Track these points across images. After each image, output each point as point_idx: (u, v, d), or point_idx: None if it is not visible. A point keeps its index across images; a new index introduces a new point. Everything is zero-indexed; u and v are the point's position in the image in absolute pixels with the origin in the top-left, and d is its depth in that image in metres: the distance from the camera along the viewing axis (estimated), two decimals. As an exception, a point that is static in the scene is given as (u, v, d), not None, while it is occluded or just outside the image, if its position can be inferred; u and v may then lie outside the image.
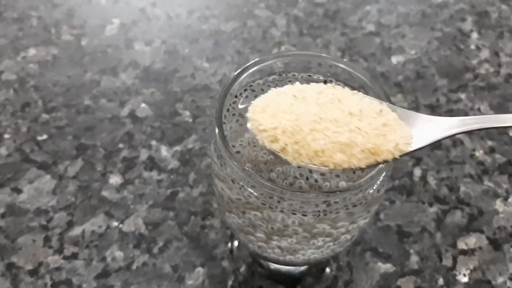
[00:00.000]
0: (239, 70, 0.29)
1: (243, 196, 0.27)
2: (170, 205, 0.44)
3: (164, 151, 0.48)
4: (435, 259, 0.42)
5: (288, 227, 0.27)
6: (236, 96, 0.30)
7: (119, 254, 0.42)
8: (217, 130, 0.27)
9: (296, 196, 0.25)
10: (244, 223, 0.29)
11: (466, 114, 0.52)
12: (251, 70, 0.29)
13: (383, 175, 0.26)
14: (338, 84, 0.30)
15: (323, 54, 0.31)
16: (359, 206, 0.27)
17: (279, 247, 0.30)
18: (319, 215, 0.26)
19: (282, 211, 0.26)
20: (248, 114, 0.26)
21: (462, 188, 0.47)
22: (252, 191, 0.26)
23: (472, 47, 0.59)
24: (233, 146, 0.28)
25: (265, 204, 0.26)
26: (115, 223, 0.43)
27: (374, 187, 0.27)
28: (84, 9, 0.62)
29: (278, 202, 0.25)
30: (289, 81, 0.30)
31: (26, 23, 0.60)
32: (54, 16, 0.61)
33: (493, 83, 0.55)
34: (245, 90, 0.30)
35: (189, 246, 0.42)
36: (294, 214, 0.26)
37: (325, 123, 0.24)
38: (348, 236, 0.30)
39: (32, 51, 0.57)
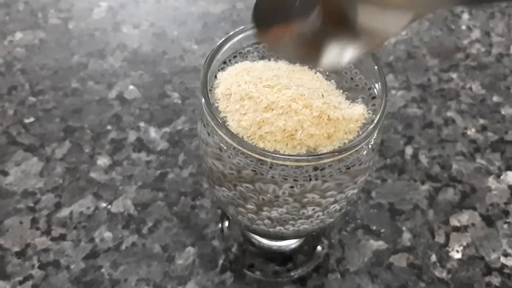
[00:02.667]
0: (224, 38, 0.29)
1: (234, 167, 0.26)
2: (159, 186, 0.44)
3: (153, 133, 0.47)
4: (428, 236, 0.42)
5: (278, 198, 0.27)
6: (225, 62, 0.29)
7: (107, 235, 0.41)
8: (203, 100, 0.26)
9: (288, 160, 0.24)
10: (235, 196, 0.29)
11: (457, 94, 0.52)
12: (237, 38, 0.29)
13: (363, 144, 0.25)
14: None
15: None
16: (346, 175, 0.26)
17: (269, 218, 0.29)
18: (310, 179, 0.25)
19: (273, 178, 0.25)
20: None
21: (454, 166, 0.46)
22: (242, 159, 0.25)
23: (463, 27, 0.59)
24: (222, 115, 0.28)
25: (255, 171, 0.25)
26: (104, 204, 0.43)
27: (357, 156, 0.26)
28: (71, -7, 0.61)
29: (270, 167, 0.25)
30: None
31: (12, 7, 0.59)
32: (41, 0, 0.60)
33: (484, 62, 0.55)
34: (235, 56, 0.29)
35: (179, 226, 0.42)
36: (286, 179, 0.25)
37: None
38: (337, 206, 0.29)
39: (19, 35, 0.56)
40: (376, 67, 0.28)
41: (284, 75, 0.27)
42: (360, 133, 0.26)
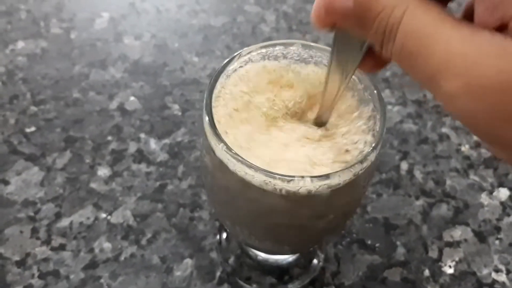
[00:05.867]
0: (227, 60, 0.29)
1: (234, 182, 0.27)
2: (158, 197, 0.45)
3: (153, 144, 0.48)
4: (421, 251, 0.43)
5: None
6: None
7: (107, 245, 0.41)
8: (206, 119, 0.27)
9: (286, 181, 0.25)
10: (234, 209, 0.30)
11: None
12: (240, 59, 0.30)
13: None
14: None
15: (311, 43, 0.31)
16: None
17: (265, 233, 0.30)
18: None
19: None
20: None
21: (448, 182, 0.47)
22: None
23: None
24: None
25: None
26: (103, 215, 0.43)
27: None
28: (73, 3, 0.61)
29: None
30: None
31: (15, 16, 0.59)
32: (43, 9, 0.60)
33: (479, 79, 0.56)
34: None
35: (178, 237, 0.42)
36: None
37: None
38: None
39: (20, 44, 0.56)
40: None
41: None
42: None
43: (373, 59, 0.23)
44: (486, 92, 0.17)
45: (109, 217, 0.43)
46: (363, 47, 0.23)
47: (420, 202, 0.46)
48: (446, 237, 0.44)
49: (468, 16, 0.19)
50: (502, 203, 0.46)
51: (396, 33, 0.19)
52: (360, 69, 0.24)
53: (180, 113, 0.51)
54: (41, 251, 0.41)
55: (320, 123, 0.28)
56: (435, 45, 0.18)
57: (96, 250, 0.41)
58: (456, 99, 0.18)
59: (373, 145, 0.26)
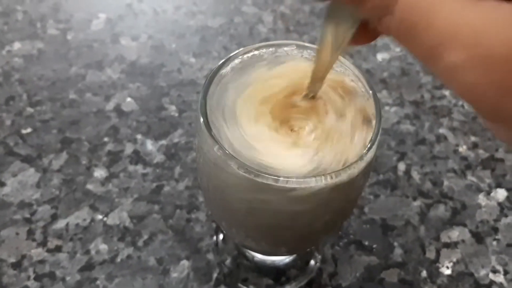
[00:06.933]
0: (222, 61, 0.29)
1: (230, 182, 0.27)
2: (155, 198, 0.44)
3: (150, 145, 0.48)
4: (419, 252, 0.43)
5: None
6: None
7: (103, 247, 0.41)
8: (201, 119, 0.27)
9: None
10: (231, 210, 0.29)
11: (450, 111, 0.53)
12: (235, 61, 0.30)
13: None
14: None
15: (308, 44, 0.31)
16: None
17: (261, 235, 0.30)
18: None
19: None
20: None
21: (446, 183, 0.47)
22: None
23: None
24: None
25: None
26: (100, 216, 0.43)
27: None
28: (70, 4, 0.61)
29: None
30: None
31: (11, 17, 0.59)
32: (40, 10, 0.60)
33: (477, 80, 0.56)
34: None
35: (174, 239, 0.42)
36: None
37: None
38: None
39: (17, 45, 0.56)
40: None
41: None
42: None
43: (365, 31, 0.23)
44: (494, 62, 0.16)
45: (105, 218, 0.43)
46: (357, 20, 0.22)
47: (417, 203, 0.46)
48: (444, 238, 0.44)
49: None
50: (499, 204, 0.46)
51: (395, 5, 0.18)
52: (352, 42, 0.24)
53: (177, 114, 0.51)
54: (37, 253, 0.41)
55: (311, 94, 0.28)
56: (437, 16, 0.17)
57: (92, 252, 0.41)
58: (460, 71, 0.17)
59: (369, 145, 0.26)
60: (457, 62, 0.17)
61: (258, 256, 0.41)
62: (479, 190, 0.47)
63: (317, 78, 0.27)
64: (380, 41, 0.59)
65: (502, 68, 0.16)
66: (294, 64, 0.31)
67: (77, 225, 0.42)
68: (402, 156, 0.49)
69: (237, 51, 0.30)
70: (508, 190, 0.47)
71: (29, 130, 0.48)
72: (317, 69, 0.27)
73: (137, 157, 0.47)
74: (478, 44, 0.16)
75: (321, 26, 0.25)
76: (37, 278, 0.39)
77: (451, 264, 0.42)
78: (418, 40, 0.18)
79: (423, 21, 0.17)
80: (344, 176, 0.25)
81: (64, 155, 0.47)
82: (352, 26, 0.23)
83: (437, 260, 0.42)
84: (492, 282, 0.41)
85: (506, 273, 0.42)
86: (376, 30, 0.20)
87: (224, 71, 0.29)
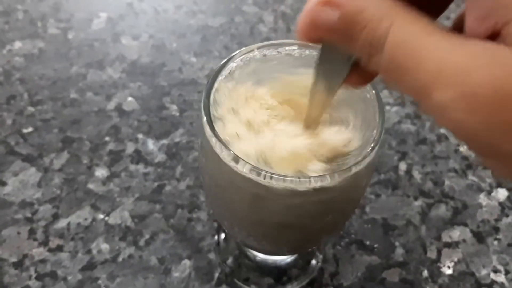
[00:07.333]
0: (225, 60, 0.29)
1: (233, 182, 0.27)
2: (156, 198, 0.44)
3: (151, 145, 0.48)
4: (420, 252, 0.43)
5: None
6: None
7: (104, 246, 0.41)
8: (204, 119, 0.27)
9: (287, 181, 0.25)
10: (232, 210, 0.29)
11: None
12: (237, 59, 0.30)
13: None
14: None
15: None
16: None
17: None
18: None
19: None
20: None
21: (447, 182, 0.47)
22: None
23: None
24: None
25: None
26: (101, 216, 0.43)
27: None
28: (70, 3, 0.61)
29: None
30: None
31: (12, 16, 0.59)
32: (41, 9, 0.60)
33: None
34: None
35: (176, 238, 0.42)
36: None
37: None
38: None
39: (18, 44, 0.56)
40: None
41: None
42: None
43: (359, 73, 0.23)
44: (482, 101, 0.16)
45: (106, 218, 0.43)
46: (349, 61, 0.22)
47: (418, 203, 0.46)
48: (445, 237, 0.44)
49: (458, 29, 0.18)
50: (500, 204, 0.46)
51: (383, 45, 0.18)
52: (346, 83, 0.23)
53: (178, 114, 0.50)
54: (39, 252, 0.41)
55: (308, 130, 0.28)
56: (424, 56, 0.17)
57: (94, 251, 0.41)
58: (449, 111, 0.17)
59: (372, 145, 0.26)
60: (445, 101, 0.17)
61: (260, 256, 0.41)
62: (480, 189, 0.47)
63: (312, 119, 0.27)
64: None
65: (490, 106, 0.16)
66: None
67: (78, 224, 0.42)
68: (403, 156, 0.49)
69: (238, 50, 0.30)
70: (509, 190, 0.47)
71: (30, 129, 0.48)
72: (311, 112, 0.27)
73: (138, 157, 0.47)
74: (465, 83, 0.16)
75: (313, 69, 0.24)
76: (39, 277, 0.39)
77: (452, 263, 0.42)
78: (407, 79, 0.18)
79: (411, 61, 0.17)
80: (347, 176, 0.25)
81: (65, 155, 0.47)
82: (344, 67, 0.23)
83: (438, 259, 0.42)
84: (493, 282, 0.41)
85: (507, 272, 0.42)
86: (371, 71, 0.20)
87: (226, 70, 0.29)
